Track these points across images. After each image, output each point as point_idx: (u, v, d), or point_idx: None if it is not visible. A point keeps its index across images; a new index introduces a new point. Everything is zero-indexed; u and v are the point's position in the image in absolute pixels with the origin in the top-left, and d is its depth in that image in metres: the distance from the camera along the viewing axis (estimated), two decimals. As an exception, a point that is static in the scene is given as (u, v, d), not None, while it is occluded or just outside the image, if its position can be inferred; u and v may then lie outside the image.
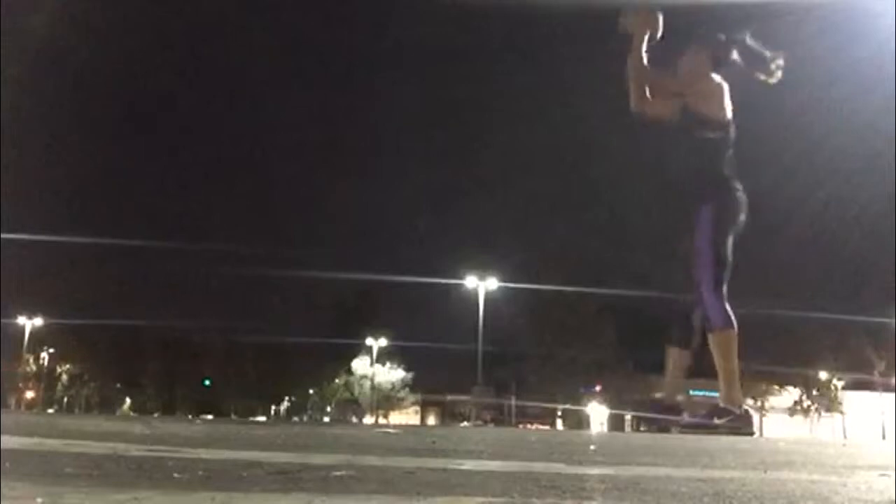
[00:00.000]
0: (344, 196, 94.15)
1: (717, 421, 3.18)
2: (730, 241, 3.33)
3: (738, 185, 3.39)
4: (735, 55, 3.46)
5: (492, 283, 41.68)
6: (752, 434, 3.45)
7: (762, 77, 3.41)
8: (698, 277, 3.27)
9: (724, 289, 3.28)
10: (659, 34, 3.53)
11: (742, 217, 3.36)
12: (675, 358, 3.50)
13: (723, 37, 3.50)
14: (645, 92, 3.55)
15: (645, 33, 3.50)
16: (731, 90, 3.52)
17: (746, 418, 3.24)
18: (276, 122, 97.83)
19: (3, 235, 27.44)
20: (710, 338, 3.24)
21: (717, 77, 3.45)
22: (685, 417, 3.42)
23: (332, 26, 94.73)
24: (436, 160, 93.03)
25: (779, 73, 3.42)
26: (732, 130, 3.43)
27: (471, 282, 41.73)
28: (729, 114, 3.44)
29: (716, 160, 3.36)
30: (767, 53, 3.45)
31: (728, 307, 3.25)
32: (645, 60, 3.52)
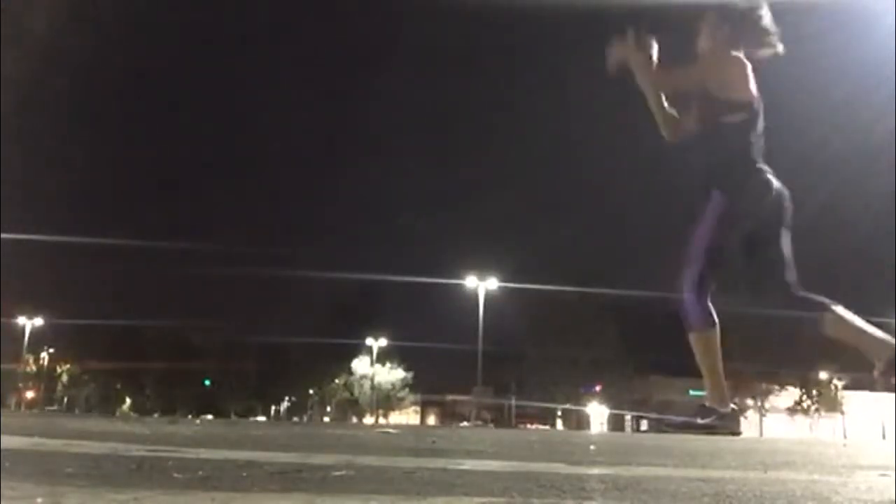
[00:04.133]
0: (344, 196, 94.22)
1: (701, 421, 3.06)
2: (756, 234, 3.01)
3: (767, 173, 3.03)
4: (753, 31, 3.16)
5: (492, 283, 41.66)
6: (738, 434, 3.33)
7: (762, 52, 3.17)
8: (683, 272, 3.04)
9: (706, 286, 3.03)
10: (655, 54, 3.22)
11: (771, 205, 3.02)
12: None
13: (743, 5, 3.19)
14: (672, 117, 3.25)
15: (643, 60, 3.21)
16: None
17: (732, 417, 3.13)
18: (277, 122, 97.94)
19: (3, 235, 27.42)
20: (690, 338, 3.03)
21: (737, 53, 3.12)
22: (671, 418, 3.33)
23: (334, 26, 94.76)
24: (436, 160, 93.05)
25: (776, 50, 3.19)
26: (759, 111, 3.10)
27: (471, 282, 41.72)
28: (754, 92, 3.10)
29: (735, 145, 3.05)
30: (774, 30, 3.19)
31: (710, 306, 3.02)
32: (654, 76, 3.24)
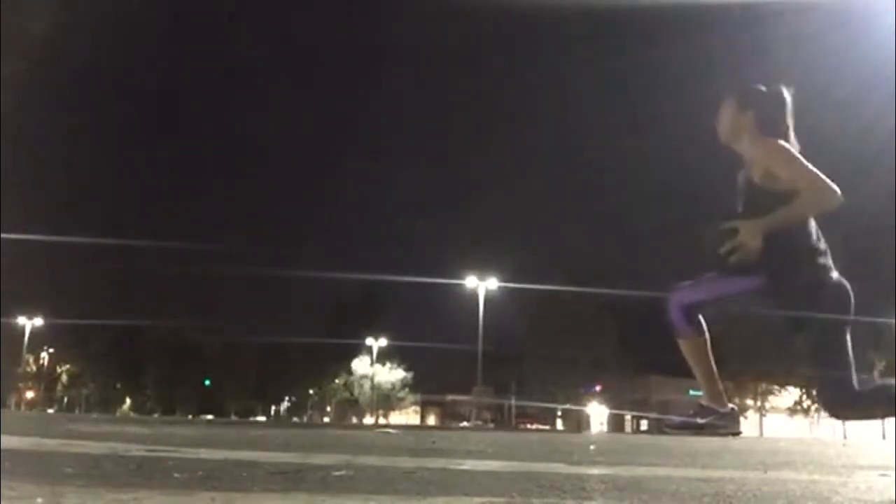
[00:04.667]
0: (344, 196, 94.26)
1: (700, 420, 3.03)
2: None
3: (823, 269, 2.81)
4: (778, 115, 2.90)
5: (492, 283, 41.67)
6: (738, 433, 3.29)
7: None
8: (685, 286, 2.94)
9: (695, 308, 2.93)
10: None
11: (821, 300, 2.79)
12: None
13: (763, 88, 2.95)
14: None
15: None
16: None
17: (732, 417, 3.07)
18: (277, 121, 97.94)
19: (3, 235, 27.43)
20: (680, 344, 2.97)
21: (771, 137, 2.86)
22: (671, 418, 3.29)
23: (334, 26, 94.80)
24: (436, 160, 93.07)
25: None
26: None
27: (471, 282, 41.72)
28: (803, 174, 2.78)
29: (792, 239, 2.79)
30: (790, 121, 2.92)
31: (700, 317, 2.94)
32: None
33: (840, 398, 2.79)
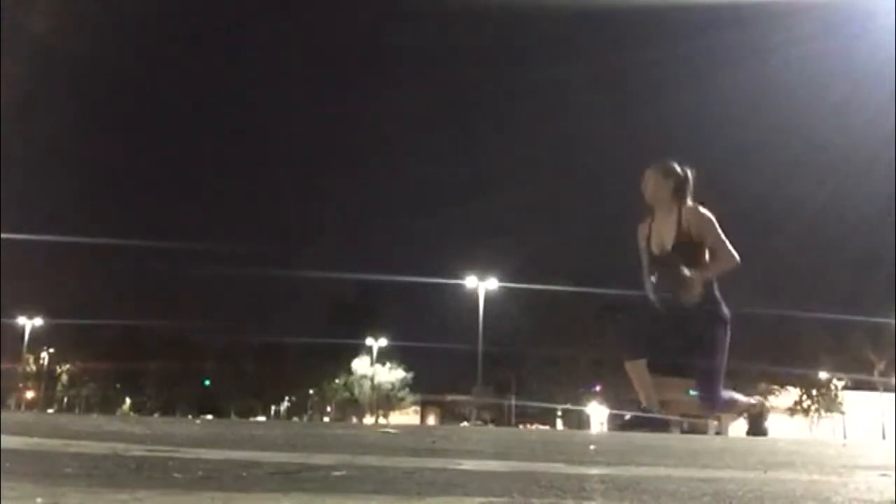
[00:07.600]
0: (344, 195, 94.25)
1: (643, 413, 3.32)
2: None
3: None
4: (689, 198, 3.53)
5: (492, 283, 41.64)
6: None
7: None
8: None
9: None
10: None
11: None
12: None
13: (688, 172, 3.58)
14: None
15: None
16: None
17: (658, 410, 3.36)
18: (277, 121, 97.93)
19: (3, 235, 27.41)
20: (630, 366, 3.46)
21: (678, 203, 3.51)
22: (638, 415, 3.61)
23: (334, 26, 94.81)
24: (436, 160, 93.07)
25: None
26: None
27: (471, 282, 41.70)
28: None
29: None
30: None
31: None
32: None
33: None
